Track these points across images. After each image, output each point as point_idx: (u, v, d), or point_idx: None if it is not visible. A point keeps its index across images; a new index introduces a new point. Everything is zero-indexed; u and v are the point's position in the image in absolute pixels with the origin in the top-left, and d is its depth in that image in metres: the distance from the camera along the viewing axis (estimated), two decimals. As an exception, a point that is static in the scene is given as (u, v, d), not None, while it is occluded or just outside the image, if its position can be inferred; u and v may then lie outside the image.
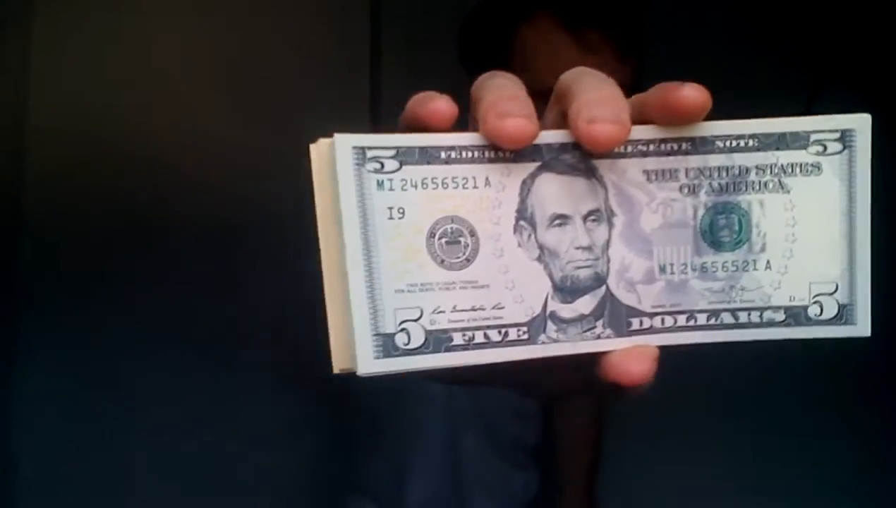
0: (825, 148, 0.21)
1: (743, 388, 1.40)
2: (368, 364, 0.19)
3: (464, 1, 0.82)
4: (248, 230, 1.29)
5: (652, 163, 0.21)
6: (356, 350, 0.19)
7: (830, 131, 0.21)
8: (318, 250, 0.20)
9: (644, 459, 1.41)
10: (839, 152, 0.21)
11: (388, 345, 0.19)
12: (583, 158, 0.21)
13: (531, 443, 0.91)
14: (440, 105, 0.21)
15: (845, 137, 0.21)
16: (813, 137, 0.21)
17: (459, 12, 0.80)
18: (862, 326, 0.22)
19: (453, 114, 0.21)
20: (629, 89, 0.74)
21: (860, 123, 0.21)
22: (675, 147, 0.21)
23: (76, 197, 1.30)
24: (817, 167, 0.21)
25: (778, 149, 0.21)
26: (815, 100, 1.57)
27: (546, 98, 0.79)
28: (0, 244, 1.27)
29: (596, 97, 0.21)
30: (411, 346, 0.20)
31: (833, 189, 0.21)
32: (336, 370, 0.20)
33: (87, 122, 1.31)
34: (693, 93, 0.20)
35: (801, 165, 0.21)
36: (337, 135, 0.19)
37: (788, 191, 0.21)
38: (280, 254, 1.18)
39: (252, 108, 1.36)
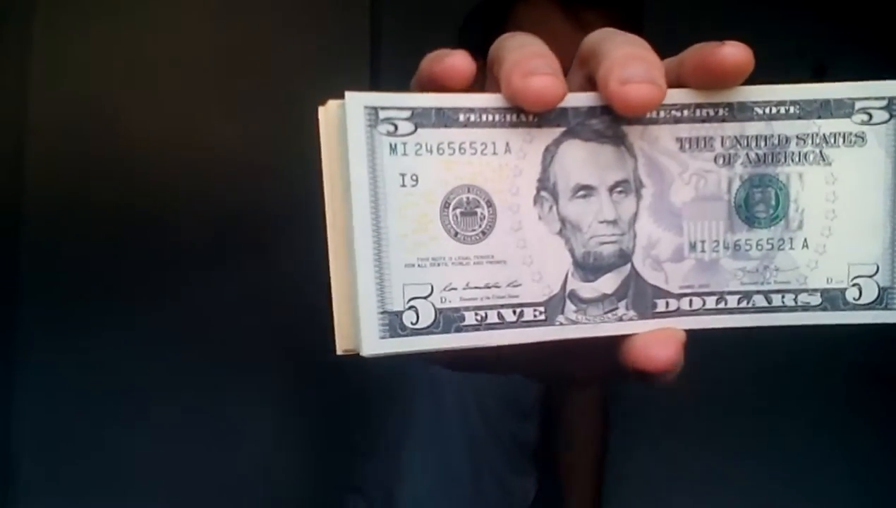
0: (871, 116, 0.19)
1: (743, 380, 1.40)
2: (374, 344, 0.18)
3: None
4: (248, 228, 1.29)
5: (686, 130, 0.19)
6: (361, 329, 0.18)
7: (877, 98, 0.19)
8: (324, 224, 0.19)
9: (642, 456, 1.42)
10: (885, 122, 0.19)
11: (395, 324, 0.18)
12: (611, 124, 0.19)
13: (531, 443, 0.91)
14: (457, 61, 0.20)
15: (892, 105, 0.19)
16: (858, 105, 0.19)
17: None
18: None
19: (471, 70, 0.20)
20: None
21: None
22: (712, 113, 0.19)
23: (76, 196, 1.30)
24: (862, 137, 0.19)
25: (820, 117, 0.19)
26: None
27: None
28: (0, 244, 1.27)
29: (628, 55, 0.19)
30: (420, 326, 0.18)
31: (878, 161, 0.19)
32: (339, 351, 0.19)
33: (87, 122, 1.31)
34: (734, 52, 0.19)
35: (844, 135, 0.19)
36: (348, 94, 0.18)
37: (830, 164, 0.20)
38: (280, 252, 1.18)
39: (252, 105, 1.36)
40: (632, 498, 1.45)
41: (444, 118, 0.18)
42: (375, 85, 1.43)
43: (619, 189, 0.20)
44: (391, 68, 1.48)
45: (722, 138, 0.19)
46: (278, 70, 1.37)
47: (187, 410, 1.29)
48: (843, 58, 1.57)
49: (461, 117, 0.18)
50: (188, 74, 1.34)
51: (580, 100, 0.19)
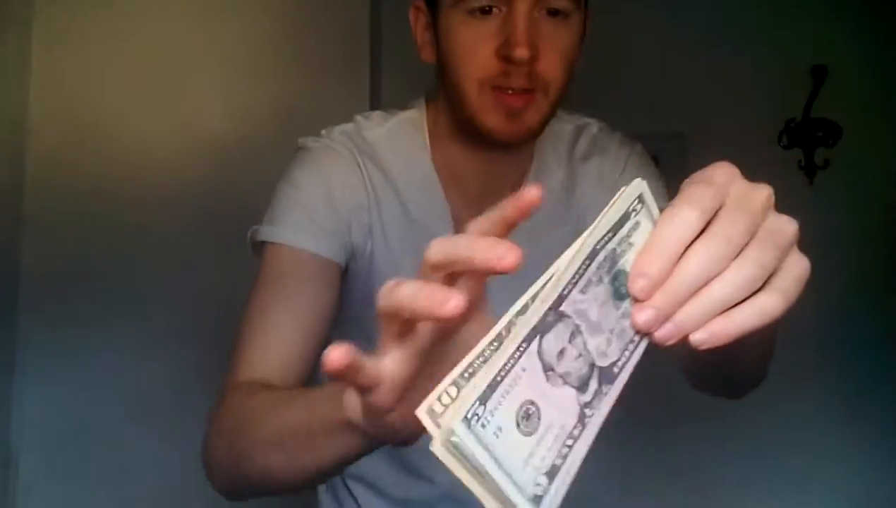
0: (636, 211, 0.36)
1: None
2: None
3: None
4: (248, 228, 1.29)
5: (580, 284, 0.34)
6: None
7: (634, 200, 0.36)
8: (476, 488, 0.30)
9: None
10: (642, 209, 0.36)
11: (536, 499, 0.31)
12: (555, 314, 0.33)
13: None
14: (458, 306, 0.32)
15: (640, 198, 0.36)
16: (629, 209, 0.35)
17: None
18: None
19: (465, 306, 0.32)
20: None
21: (642, 186, 0.36)
22: (584, 267, 0.34)
23: (76, 197, 1.30)
24: (638, 223, 0.36)
25: (620, 228, 0.35)
26: (814, 98, 1.57)
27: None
28: (0, 244, 1.27)
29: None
30: (545, 490, 0.31)
31: (648, 230, 0.36)
32: None
33: (87, 123, 1.31)
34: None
35: (633, 226, 0.36)
36: (452, 422, 0.29)
37: (633, 244, 0.36)
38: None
39: (252, 106, 1.36)
40: (633, 496, 1.46)
41: (492, 387, 0.30)
42: (375, 84, 1.43)
43: (573, 337, 0.34)
44: (391, 66, 1.49)
45: (593, 273, 0.34)
46: (279, 70, 1.37)
47: (187, 410, 1.28)
48: (843, 58, 1.57)
49: (498, 378, 0.30)
50: (188, 75, 1.34)
51: (534, 319, 0.32)
